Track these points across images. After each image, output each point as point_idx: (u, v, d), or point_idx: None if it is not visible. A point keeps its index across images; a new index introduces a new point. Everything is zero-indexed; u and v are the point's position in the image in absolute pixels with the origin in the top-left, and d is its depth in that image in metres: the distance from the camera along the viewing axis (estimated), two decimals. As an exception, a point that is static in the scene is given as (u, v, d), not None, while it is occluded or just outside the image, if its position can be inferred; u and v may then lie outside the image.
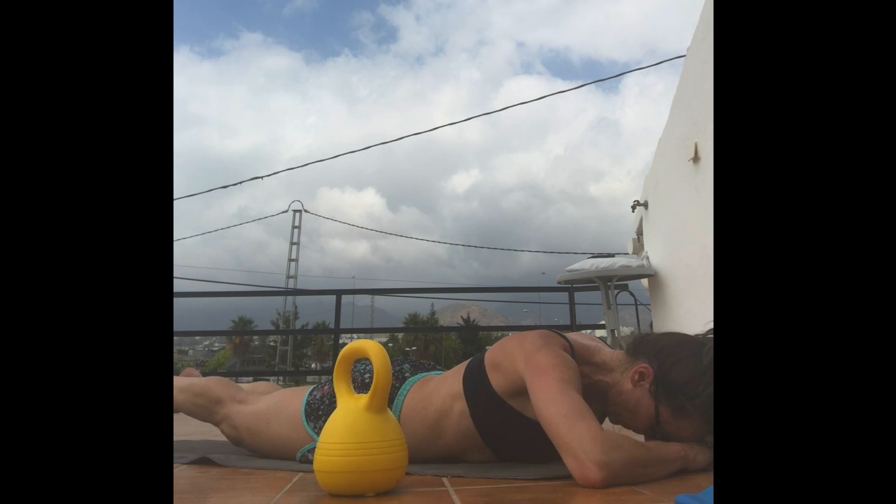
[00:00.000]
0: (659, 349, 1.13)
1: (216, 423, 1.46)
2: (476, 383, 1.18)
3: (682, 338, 1.16)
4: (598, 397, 1.17)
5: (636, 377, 1.12)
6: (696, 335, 1.15)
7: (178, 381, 1.50)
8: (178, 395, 1.47)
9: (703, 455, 1.06)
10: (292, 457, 1.30)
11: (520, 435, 1.16)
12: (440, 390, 1.22)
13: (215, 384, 1.48)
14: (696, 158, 2.76)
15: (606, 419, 1.21)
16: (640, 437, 1.15)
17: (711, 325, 1.12)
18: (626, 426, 1.16)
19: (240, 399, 1.43)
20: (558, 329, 1.21)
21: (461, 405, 1.18)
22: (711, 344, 1.09)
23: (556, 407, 0.99)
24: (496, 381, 1.15)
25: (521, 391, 1.11)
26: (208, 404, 1.44)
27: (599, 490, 0.91)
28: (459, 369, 1.24)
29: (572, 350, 1.14)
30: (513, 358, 1.13)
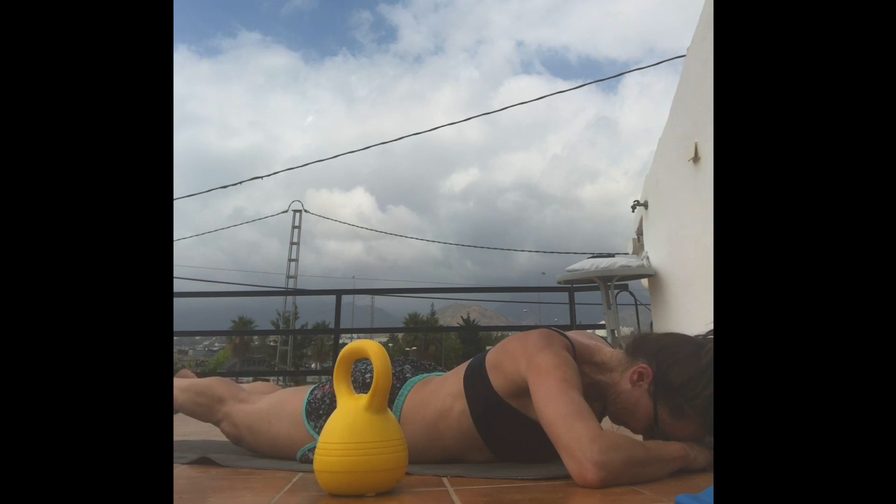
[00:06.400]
0: (658, 349, 1.13)
1: (217, 422, 1.46)
2: (477, 384, 1.18)
3: (681, 338, 1.16)
4: (597, 397, 1.17)
5: (635, 377, 1.12)
6: (697, 336, 1.14)
7: (180, 382, 1.51)
8: (179, 395, 1.47)
9: (703, 455, 1.06)
10: (293, 456, 1.30)
11: (520, 435, 1.16)
12: (441, 391, 1.22)
13: (216, 383, 1.48)
14: (696, 158, 2.76)
15: (606, 419, 1.21)
16: (639, 437, 1.15)
17: (712, 326, 1.11)
18: (625, 426, 1.16)
19: (241, 398, 1.44)
20: (558, 329, 1.21)
21: (461, 405, 1.18)
22: (710, 345, 1.09)
23: (557, 407, 0.99)
24: (497, 381, 1.15)
25: (522, 391, 1.11)
26: (210, 402, 1.44)
27: (599, 490, 0.91)
28: (460, 370, 1.24)
29: (573, 349, 1.14)
30: (514, 358, 1.13)
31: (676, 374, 1.08)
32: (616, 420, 1.18)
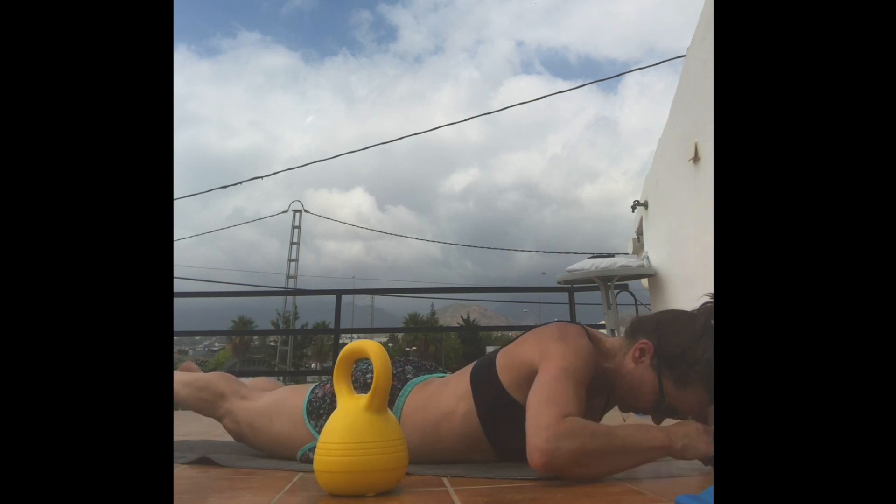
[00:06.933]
0: (655, 325, 1.16)
1: (218, 418, 1.46)
2: (484, 383, 1.19)
3: (675, 311, 1.19)
4: (604, 387, 1.19)
5: (637, 354, 1.14)
6: (692, 310, 1.17)
7: (182, 376, 1.51)
8: (182, 390, 1.47)
9: (695, 444, 0.99)
10: (293, 454, 1.30)
11: (525, 433, 1.16)
12: (443, 392, 1.23)
13: (219, 379, 1.49)
14: (696, 158, 2.76)
15: (615, 411, 1.23)
16: (648, 419, 1.15)
17: (705, 299, 1.15)
18: (634, 409, 1.18)
19: (243, 394, 1.44)
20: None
21: (466, 406, 1.18)
22: (704, 311, 1.12)
23: (540, 393, 1.02)
24: (508, 377, 1.17)
25: (530, 382, 1.12)
26: (212, 398, 1.44)
27: (599, 490, 0.91)
28: (465, 371, 1.25)
29: (587, 334, 1.16)
30: (530, 350, 1.15)
31: (676, 342, 1.11)
32: (624, 405, 1.19)
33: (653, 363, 1.13)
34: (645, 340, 1.14)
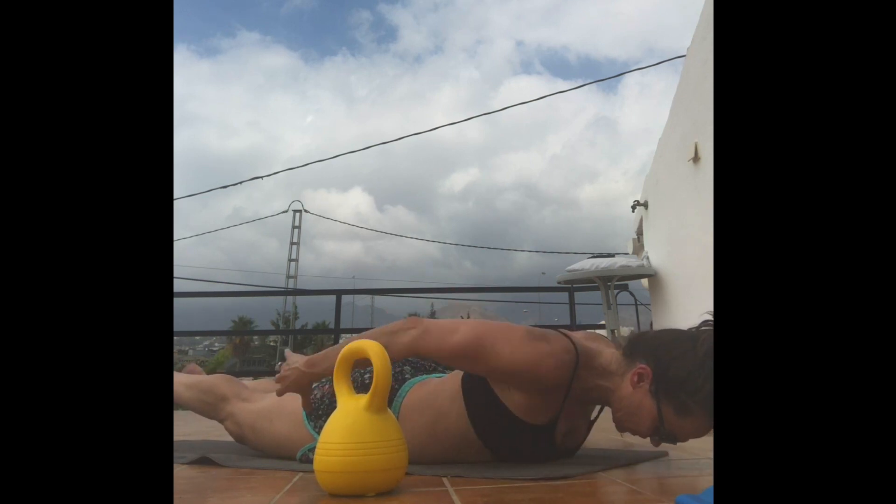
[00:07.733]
0: (654, 348, 1.12)
1: (221, 421, 1.46)
2: (475, 385, 1.18)
3: (676, 333, 1.14)
4: (595, 401, 1.18)
5: (635, 379, 1.11)
6: (690, 329, 1.13)
7: (186, 378, 1.52)
8: (185, 392, 1.48)
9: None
10: (294, 455, 1.30)
11: (515, 435, 1.16)
12: (439, 392, 1.23)
13: (221, 381, 1.49)
14: (696, 158, 2.76)
15: (609, 429, 1.22)
16: (647, 441, 1.14)
17: (706, 317, 1.11)
18: (633, 431, 1.15)
19: (244, 397, 1.44)
20: (559, 328, 1.21)
21: (459, 406, 1.18)
22: (705, 335, 1.08)
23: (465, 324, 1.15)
24: (496, 382, 1.16)
25: (517, 385, 1.13)
26: (214, 401, 1.45)
27: (599, 491, 0.92)
28: (459, 372, 1.24)
29: (576, 351, 1.13)
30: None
31: (675, 370, 1.07)
32: (622, 426, 1.16)
33: (651, 389, 1.09)
34: (643, 365, 1.11)
